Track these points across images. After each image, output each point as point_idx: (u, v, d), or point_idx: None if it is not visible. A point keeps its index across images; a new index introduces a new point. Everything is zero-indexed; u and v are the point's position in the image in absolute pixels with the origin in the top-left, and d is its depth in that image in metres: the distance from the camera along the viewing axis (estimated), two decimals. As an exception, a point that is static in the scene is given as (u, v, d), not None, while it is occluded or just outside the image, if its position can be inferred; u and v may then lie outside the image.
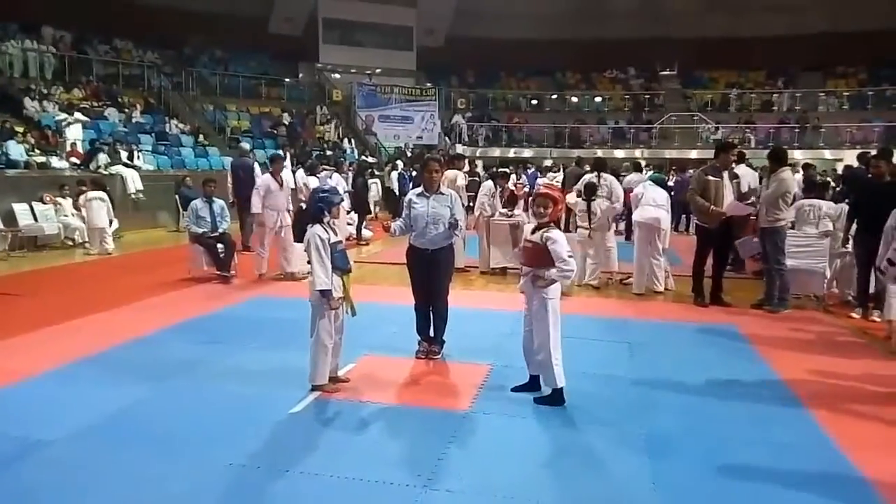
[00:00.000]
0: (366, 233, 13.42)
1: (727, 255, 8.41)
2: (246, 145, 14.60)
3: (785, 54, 26.65)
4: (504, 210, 9.98)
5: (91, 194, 11.61)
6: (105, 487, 3.53)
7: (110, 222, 11.81)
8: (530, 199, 5.50)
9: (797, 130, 25.17)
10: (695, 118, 26.88)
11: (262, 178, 9.88)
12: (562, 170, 18.00)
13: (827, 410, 4.69)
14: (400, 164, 19.42)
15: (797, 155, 20.81)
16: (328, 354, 4.89)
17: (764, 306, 7.73)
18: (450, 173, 9.85)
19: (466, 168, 11.59)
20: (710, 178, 7.79)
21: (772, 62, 27.83)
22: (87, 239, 11.87)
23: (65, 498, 3.45)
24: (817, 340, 6.62)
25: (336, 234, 4.97)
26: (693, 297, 8.09)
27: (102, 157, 14.43)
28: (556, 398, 4.68)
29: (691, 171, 13.45)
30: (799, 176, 7.94)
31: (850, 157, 20.21)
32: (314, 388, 4.88)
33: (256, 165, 12.99)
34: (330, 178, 12.67)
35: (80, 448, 3.99)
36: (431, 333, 5.84)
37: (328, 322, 4.84)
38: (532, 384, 4.90)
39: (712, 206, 7.66)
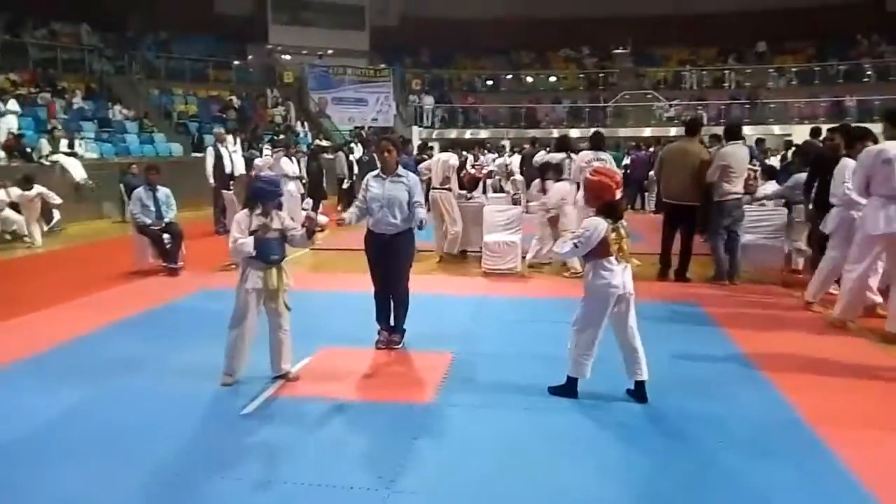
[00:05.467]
0: (321, 218, 13.03)
1: (693, 234, 8.39)
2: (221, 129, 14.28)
3: (735, 31, 26.90)
4: (463, 192, 9.76)
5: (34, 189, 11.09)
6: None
7: (50, 216, 11.31)
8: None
9: (747, 106, 25.50)
10: (648, 96, 27.01)
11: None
12: (511, 151, 17.73)
13: (785, 379, 4.68)
14: (356, 147, 18.79)
15: (748, 130, 21.02)
16: (240, 340, 4.65)
17: (717, 280, 7.86)
18: (443, 154, 9.64)
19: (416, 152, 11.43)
20: None
21: (722, 39, 28.07)
22: (27, 233, 11.28)
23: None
24: (770, 313, 6.70)
25: (272, 223, 4.68)
26: (658, 273, 8.12)
27: (44, 146, 13.74)
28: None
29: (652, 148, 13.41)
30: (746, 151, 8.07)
31: (798, 132, 20.54)
32: (225, 381, 4.67)
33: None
34: (287, 160, 12.25)
35: (2, 464, 3.66)
36: (392, 322, 5.63)
37: (242, 302, 4.63)
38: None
39: None
